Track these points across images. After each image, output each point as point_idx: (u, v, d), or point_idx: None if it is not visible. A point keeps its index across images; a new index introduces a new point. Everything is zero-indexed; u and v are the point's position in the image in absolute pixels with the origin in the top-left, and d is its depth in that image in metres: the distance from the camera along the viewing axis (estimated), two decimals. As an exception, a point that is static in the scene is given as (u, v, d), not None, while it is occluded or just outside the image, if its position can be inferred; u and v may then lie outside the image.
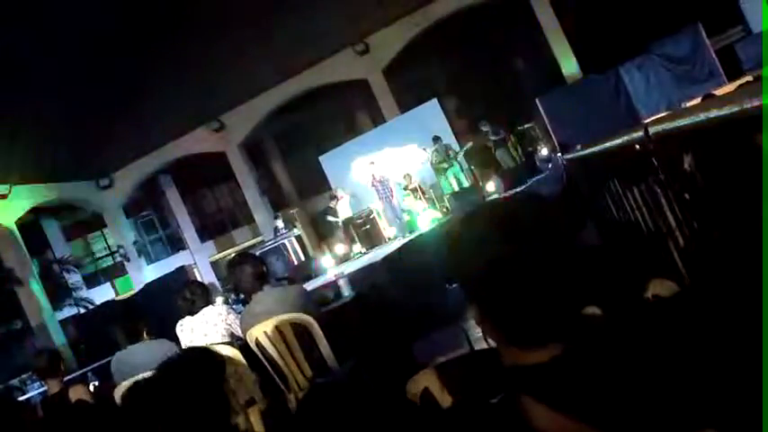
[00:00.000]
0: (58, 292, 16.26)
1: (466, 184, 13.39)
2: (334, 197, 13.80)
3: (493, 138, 14.12)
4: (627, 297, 1.41)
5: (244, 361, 3.97)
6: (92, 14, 8.93)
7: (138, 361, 4.13)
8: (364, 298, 5.91)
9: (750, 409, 0.86)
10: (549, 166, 11.98)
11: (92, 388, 4.79)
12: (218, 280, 17.56)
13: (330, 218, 13.66)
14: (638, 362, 0.93)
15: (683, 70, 12.31)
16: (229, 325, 4.20)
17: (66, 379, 4.45)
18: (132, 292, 16.43)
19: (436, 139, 13.53)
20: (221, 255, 19.87)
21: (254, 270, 3.91)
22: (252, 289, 3.91)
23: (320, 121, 16.90)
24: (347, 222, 13.53)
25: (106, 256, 20.97)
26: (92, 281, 20.59)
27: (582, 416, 0.87)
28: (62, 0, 8.35)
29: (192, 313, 4.25)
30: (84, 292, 18.49)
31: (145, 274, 17.84)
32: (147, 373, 3.98)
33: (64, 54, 9.58)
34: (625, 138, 2.64)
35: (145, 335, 4.30)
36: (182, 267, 14.54)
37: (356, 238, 13.33)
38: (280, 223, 14.37)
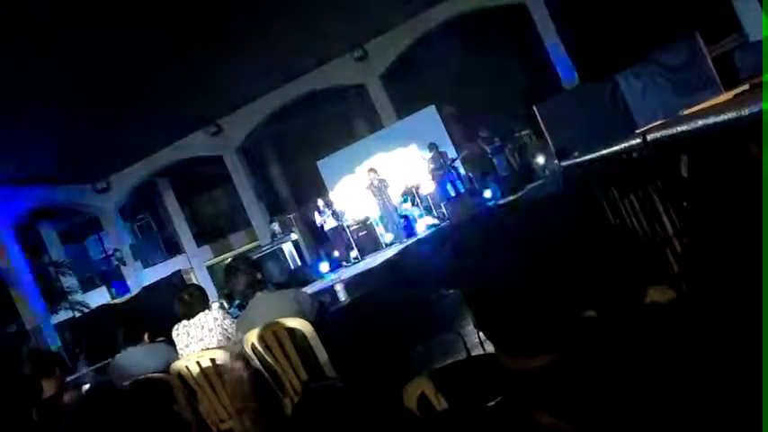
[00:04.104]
0: (54, 296, 16.20)
1: (463, 190, 13.41)
2: (317, 208, 13.78)
3: (490, 144, 14.15)
4: (624, 303, 1.40)
5: (240, 366, 3.96)
6: (92, 19, 8.93)
7: (137, 364, 4.13)
8: (361, 303, 5.91)
9: (749, 414, 0.86)
10: (547, 173, 12.00)
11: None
12: (214, 285, 17.53)
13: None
14: (635, 368, 0.93)
15: (681, 78, 12.33)
16: (225, 330, 4.18)
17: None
18: (128, 296, 16.38)
19: (433, 145, 13.55)
20: (218, 259, 19.84)
21: (249, 275, 3.91)
22: (248, 293, 3.91)
23: (318, 126, 16.91)
24: (338, 229, 13.53)
25: (102, 259, 20.91)
26: (87, 284, 20.53)
27: (579, 421, 0.87)
28: (62, 6, 8.35)
29: (188, 317, 4.23)
30: (80, 296, 18.43)
31: (141, 277, 17.80)
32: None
33: (62, 57, 9.58)
34: (623, 145, 2.64)
35: (146, 338, 4.30)
36: (178, 271, 14.53)
37: (353, 244, 13.34)
38: (276, 228, 14.36)
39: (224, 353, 3.99)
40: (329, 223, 13.55)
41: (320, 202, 13.77)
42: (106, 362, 4.35)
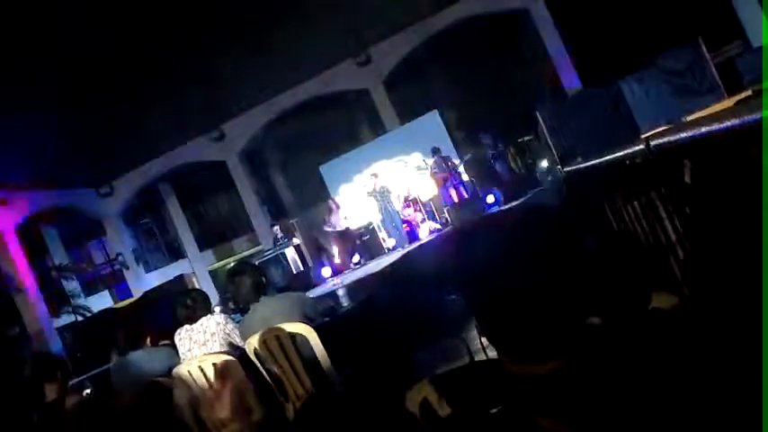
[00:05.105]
0: (57, 300, 16.22)
1: (465, 195, 13.40)
2: (330, 209, 13.75)
3: (492, 150, 14.15)
4: (628, 310, 1.40)
5: (242, 371, 3.96)
6: (95, 25, 8.97)
7: (140, 368, 4.13)
8: (363, 308, 5.91)
9: (751, 418, 0.86)
10: (549, 178, 11.99)
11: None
12: (217, 289, 17.53)
13: (327, 228, 13.62)
14: (639, 375, 0.93)
15: (683, 84, 12.34)
16: (228, 334, 4.18)
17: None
18: (131, 301, 16.39)
19: (435, 150, 13.56)
20: (220, 264, 19.84)
21: (253, 279, 3.92)
22: (250, 298, 3.92)
23: (321, 131, 16.94)
24: (344, 233, 13.52)
25: (105, 263, 20.93)
26: (90, 288, 20.54)
27: (583, 428, 0.87)
28: (67, 10, 8.38)
29: (190, 321, 4.24)
30: (83, 300, 18.45)
31: (143, 282, 17.81)
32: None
33: (66, 62, 9.61)
34: (626, 151, 2.64)
35: (148, 342, 4.30)
36: (181, 276, 14.54)
37: (355, 249, 13.34)
38: (278, 233, 14.35)
39: (227, 357, 3.99)
40: (342, 225, 13.57)
41: (332, 205, 13.79)
42: (107, 366, 4.35)
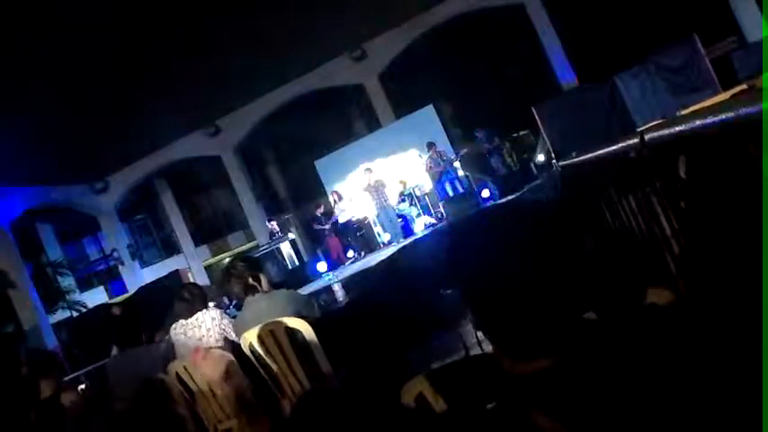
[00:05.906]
0: (52, 296, 16.18)
1: (461, 190, 13.42)
2: (335, 201, 13.76)
3: (488, 144, 14.15)
4: (622, 305, 1.40)
5: (238, 367, 3.96)
6: (91, 21, 8.92)
7: (136, 365, 4.12)
8: (359, 303, 5.91)
9: (749, 415, 0.86)
10: (544, 173, 12.00)
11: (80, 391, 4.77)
12: (212, 285, 17.51)
13: (318, 226, 13.66)
14: (634, 371, 0.93)
15: (679, 80, 12.33)
16: (223, 329, 4.17)
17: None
18: (126, 296, 16.36)
19: (431, 145, 13.56)
20: (216, 259, 19.83)
21: (242, 279, 3.90)
22: (245, 293, 3.91)
23: (316, 126, 16.91)
24: (344, 227, 13.53)
25: (100, 259, 20.89)
26: (85, 284, 20.51)
27: (578, 424, 0.87)
28: (62, 7, 8.33)
29: (188, 315, 4.23)
30: (78, 296, 18.42)
31: (139, 277, 17.79)
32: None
33: (62, 58, 9.56)
34: (621, 145, 2.64)
35: (144, 338, 4.29)
36: (176, 271, 14.51)
37: (351, 243, 13.35)
38: (274, 228, 14.36)
39: (222, 352, 3.99)
40: (343, 216, 13.58)
41: (335, 196, 13.79)
42: (103, 362, 4.33)
